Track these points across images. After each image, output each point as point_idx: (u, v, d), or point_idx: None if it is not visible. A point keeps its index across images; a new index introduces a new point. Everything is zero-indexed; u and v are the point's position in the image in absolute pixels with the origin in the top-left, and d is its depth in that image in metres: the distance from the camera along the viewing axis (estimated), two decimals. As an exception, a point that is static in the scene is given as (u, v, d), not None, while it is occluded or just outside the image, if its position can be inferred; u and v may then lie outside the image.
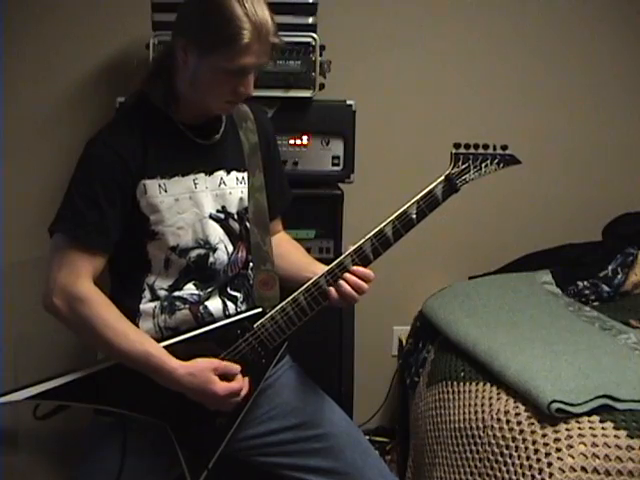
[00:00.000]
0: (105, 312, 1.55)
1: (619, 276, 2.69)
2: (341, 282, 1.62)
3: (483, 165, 1.66)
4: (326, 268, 1.65)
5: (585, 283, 2.67)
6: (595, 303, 2.60)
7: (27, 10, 2.61)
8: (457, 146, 1.66)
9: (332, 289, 1.63)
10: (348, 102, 2.38)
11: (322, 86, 2.34)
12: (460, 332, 2.22)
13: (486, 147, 1.66)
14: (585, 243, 2.86)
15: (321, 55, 2.33)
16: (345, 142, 2.38)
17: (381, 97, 2.81)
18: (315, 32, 2.32)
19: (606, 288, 2.66)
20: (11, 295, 2.60)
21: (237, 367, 1.61)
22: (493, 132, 2.87)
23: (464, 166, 1.65)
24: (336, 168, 2.39)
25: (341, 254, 2.33)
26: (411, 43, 2.83)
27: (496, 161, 1.67)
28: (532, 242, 2.90)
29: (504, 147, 1.68)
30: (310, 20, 2.34)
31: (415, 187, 2.86)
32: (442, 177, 1.65)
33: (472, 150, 1.66)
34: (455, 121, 2.88)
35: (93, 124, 2.66)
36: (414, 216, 1.63)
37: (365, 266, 1.64)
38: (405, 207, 1.64)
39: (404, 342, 2.70)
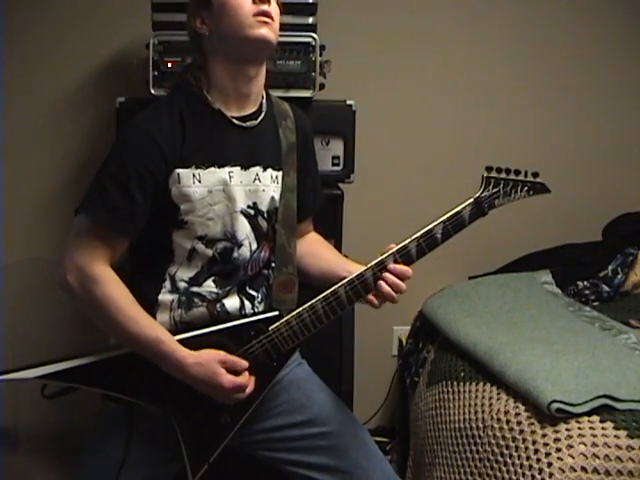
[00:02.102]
0: (118, 295, 1.55)
1: (619, 276, 2.69)
2: (380, 283, 1.63)
3: (513, 191, 1.66)
4: (346, 278, 1.64)
5: (585, 283, 2.67)
6: (595, 303, 2.60)
7: (27, 10, 2.61)
8: (489, 169, 1.66)
9: (372, 293, 1.64)
10: (348, 102, 2.38)
11: (322, 86, 2.34)
12: (460, 332, 2.22)
13: (517, 173, 1.67)
14: (585, 243, 2.86)
15: (321, 55, 2.33)
16: (345, 142, 2.38)
17: (381, 97, 2.81)
18: (315, 32, 2.32)
19: (606, 288, 2.66)
20: (11, 295, 2.60)
21: (245, 363, 1.61)
22: (493, 132, 2.91)
23: (494, 190, 1.65)
24: (336, 168, 2.40)
25: (341, 254, 2.35)
26: (411, 43, 2.83)
27: (526, 188, 1.67)
28: (532, 242, 2.90)
29: (535, 174, 1.68)
30: (310, 20, 2.34)
31: (415, 187, 2.89)
32: (471, 200, 1.65)
33: (504, 175, 1.66)
34: (455, 121, 2.89)
35: (93, 124, 2.67)
36: (439, 236, 1.64)
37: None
38: (431, 226, 1.64)
39: (404, 342, 2.70)
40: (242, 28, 1.62)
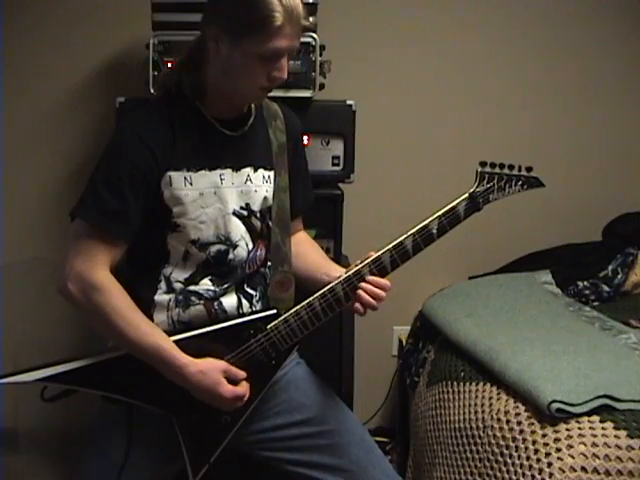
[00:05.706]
0: (119, 302, 1.55)
1: (619, 276, 2.69)
2: (360, 292, 1.63)
3: (507, 186, 1.67)
4: (343, 274, 1.65)
5: (585, 283, 2.67)
6: (595, 303, 2.60)
7: (27, 10, 2.61)
8: (483, 164, 1.67)
9: (353, 299, 1.65)
10: (348, 102, 2.38)
11: (322, 86, 2.34)
12: (460, 332, 2.22)
13: (511, 167, 1.68)
14: (585, 243, 2.86)
15: (321, 55, 2.33)
16: (345, 142, 2.38)
17: (381, 97, 2.81)
18: (315, 32, 2.32)
19: (606, 288, 2.66)
20: (11, 295, 2.60)
21: (243, 373, 1.62)
22: (492, 132, 2.91)
23: (488, 185, 1.66)
24: (336, 168, 2.39)
25: (341, 254, 2.35)
26: (411, 43, 2.83)
27: (520, 183, 1.68)
28: (532, 242, 2.90)
29: (529, 169, 1.69)
30: (310, 20, 2.34)
31: (415, 187, 2.89)
32: (466, 195, 1.65)
33: (497, 170, 1.67)
34: (455, 121, 2.88)
35: (93, 124, 2.67)
36: (435, 231, 1.64)
37: (382, 277, 1.65)
38: (426, 222, 1.64)
39: (404, 342, 2.70)
40: (245, 93, 1.64)
